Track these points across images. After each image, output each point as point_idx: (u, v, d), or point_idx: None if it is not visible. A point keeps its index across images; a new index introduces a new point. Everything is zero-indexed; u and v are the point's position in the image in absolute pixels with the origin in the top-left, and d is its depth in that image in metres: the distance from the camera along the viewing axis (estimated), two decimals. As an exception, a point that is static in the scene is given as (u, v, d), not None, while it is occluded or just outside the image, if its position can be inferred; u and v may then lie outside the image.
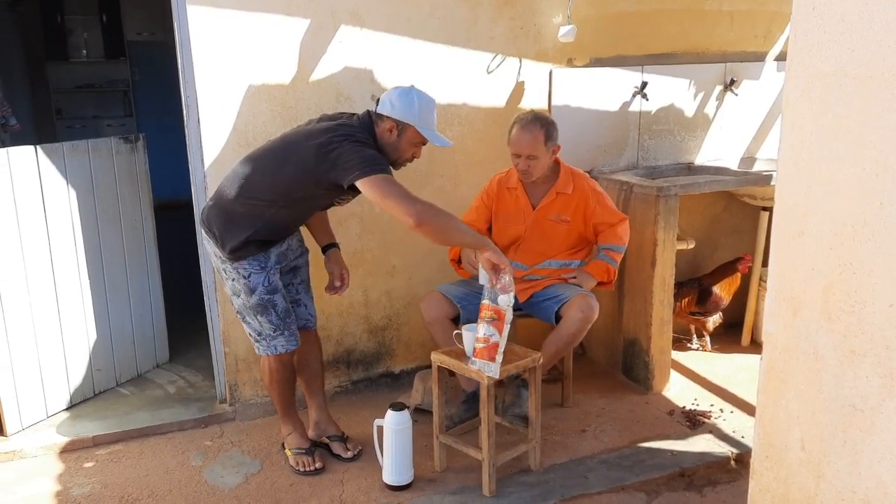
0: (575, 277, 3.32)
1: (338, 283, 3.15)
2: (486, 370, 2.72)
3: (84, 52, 7.86)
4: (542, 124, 3.17)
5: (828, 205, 1.61)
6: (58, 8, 7.57)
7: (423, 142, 2.83)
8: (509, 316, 2.70)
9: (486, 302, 2.71)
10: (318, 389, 3.21)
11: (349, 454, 3.11)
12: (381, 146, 2.77)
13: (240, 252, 2.78)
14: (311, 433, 3.18)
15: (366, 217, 3.54)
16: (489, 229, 3.45)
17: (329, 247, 3.16)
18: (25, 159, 3.26)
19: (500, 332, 2.69)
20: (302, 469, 3.03)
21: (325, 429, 3.20)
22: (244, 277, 2.82)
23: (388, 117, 2.76)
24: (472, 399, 3.20)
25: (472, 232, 2.80)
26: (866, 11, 1.48)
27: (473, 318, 3.27)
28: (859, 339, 1.56)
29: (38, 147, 3.32)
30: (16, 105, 5.12)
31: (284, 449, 3.12)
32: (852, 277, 1.56)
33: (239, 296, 2.86)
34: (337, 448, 3.14)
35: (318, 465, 3.04)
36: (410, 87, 2.84)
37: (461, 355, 2.87)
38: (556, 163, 3.35)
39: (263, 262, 2.82)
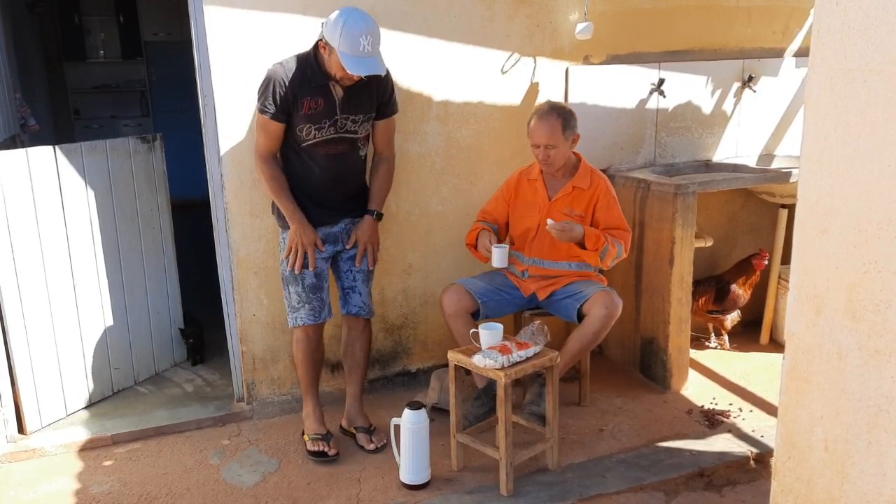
0: (557, 227, 3.10)
1: (348, 246, 3.09)
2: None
3: (101, 52, 7.91)
4: (559, 114, 3.19)
5: (852, 202, 1.59)
6: (75, 9, 7.63)
7: None
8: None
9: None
10: (356, 379, 3.24)
11: (372, 447, 3.15)
12: (321, 61, 2.86)
13: (281, 220, 3.03)
14: (342, 422, 3.26)
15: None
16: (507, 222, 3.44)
17: (365, 212, 3.14)
18: (44, 159, 3.29)
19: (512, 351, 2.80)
20: (315, 449, 3.06)
21: (353, 419, 3.24)
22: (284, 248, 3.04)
23: (323, 36, 2.82)
24: (484, 394, 3.20)
25: (290, 206, 2.96)
26: (891, 6, 1.46)
27: (493, 314, 3.29)
28: (884, 338, 1.54)
29: (56, 147, 3.34)
30: (34, 105, 5.14)
31: (303, 435, 3.18)
32: (877, 276, 1.54)
33: (282, 264, 3.06)
34: (361, 439, 3.18)
35: (332, 451, 3.07)
36: (350, 9, 2.79)
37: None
38: (578, 159, 3.34)
39: None
